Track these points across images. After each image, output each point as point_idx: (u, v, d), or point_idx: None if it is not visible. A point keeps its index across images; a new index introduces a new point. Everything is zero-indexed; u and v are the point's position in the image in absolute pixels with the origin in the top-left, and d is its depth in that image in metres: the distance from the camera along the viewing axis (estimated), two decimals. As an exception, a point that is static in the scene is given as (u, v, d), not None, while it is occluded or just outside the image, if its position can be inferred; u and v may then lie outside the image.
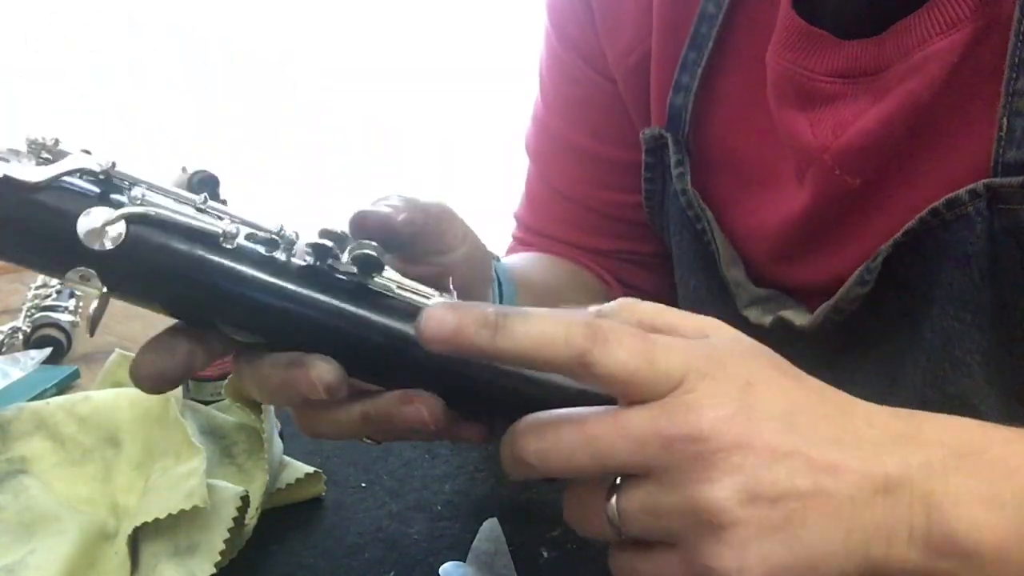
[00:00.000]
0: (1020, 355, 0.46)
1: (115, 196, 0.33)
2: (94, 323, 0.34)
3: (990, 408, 0.48)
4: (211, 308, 0.35)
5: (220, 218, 0.35)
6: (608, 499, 0.33)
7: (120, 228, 0.32)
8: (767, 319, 0.55)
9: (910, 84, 0.47)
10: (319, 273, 0.35)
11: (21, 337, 0.83)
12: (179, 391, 0.54)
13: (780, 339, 0.56)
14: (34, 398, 0.67)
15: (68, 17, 2.14)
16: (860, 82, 0.49)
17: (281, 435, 0.58)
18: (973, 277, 0.46)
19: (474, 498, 0.53)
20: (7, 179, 0.31)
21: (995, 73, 0.45)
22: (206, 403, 0.59)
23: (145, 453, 0.52)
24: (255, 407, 0.54)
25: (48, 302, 0.86)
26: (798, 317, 0.54)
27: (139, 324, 0.94)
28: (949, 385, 0.49)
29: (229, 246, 0.34)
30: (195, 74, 2.24)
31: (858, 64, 0.49)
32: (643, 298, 0.36)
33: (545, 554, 0.48)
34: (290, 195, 2.21)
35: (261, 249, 0.35)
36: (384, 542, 0.49)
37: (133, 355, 0.59)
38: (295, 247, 0.36)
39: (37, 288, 0.90)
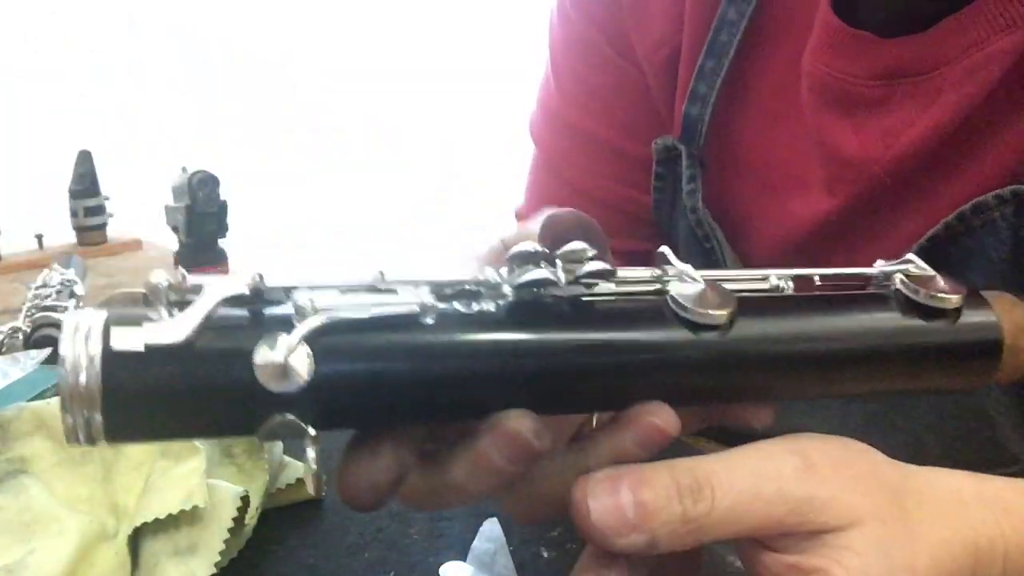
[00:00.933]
0: None
1: (276, 314, 0.26)
2: (318, 478, 0.27)
3: (1007, 420, 0.47)
4: (440, 401, 0.28)
5: (403, 290, 0.28)
6: None
7: (304, 354, 0.25)
8: None
9: (968, 87, 0.44)
10: (532, 308, 0.28)
11: (21, 337, 0.83)
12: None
13: None
14: (34, 398, 0.67)
15: (68, 17, 2.14)
16: (906, 84, 0.46)
17: (281, 435, 0.58)
18: (997, 284, 0.46)
19: (474, 498, 0.53)
20: (150, 349, 0.24)
21: None
22: (206, 403, 0.59)
23: (145, 453, 0.52)
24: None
25: (48, 302, 0.86)
26: None
27: (139, 324, 0.94)
28: (967, 395, 0.48)
29: (431, 321, 0.27)
30: (195, 74, 2.24)
31: (904, 64, 0.46)
32: None
33: (545, 554, 0.48)
34: (290, 194, 2.21)
35: (461, 308, 0.28)
36: (384, 542, 0.49)
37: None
38: (498, 289, 0.29)
39: (37, 288, 0.90)
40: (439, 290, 0.28)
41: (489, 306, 0.28)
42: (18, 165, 2.00)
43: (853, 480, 0.30)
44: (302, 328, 0.25)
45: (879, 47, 0.46)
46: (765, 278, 0.32)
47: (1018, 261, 0.44)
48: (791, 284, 0.33)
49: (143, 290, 0.26)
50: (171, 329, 0.25)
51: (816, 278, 0.33)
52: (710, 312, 0.29)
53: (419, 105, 2.49)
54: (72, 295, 0.90)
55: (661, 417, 0.30)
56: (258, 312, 0.26)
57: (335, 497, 0.53)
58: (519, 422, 0.28)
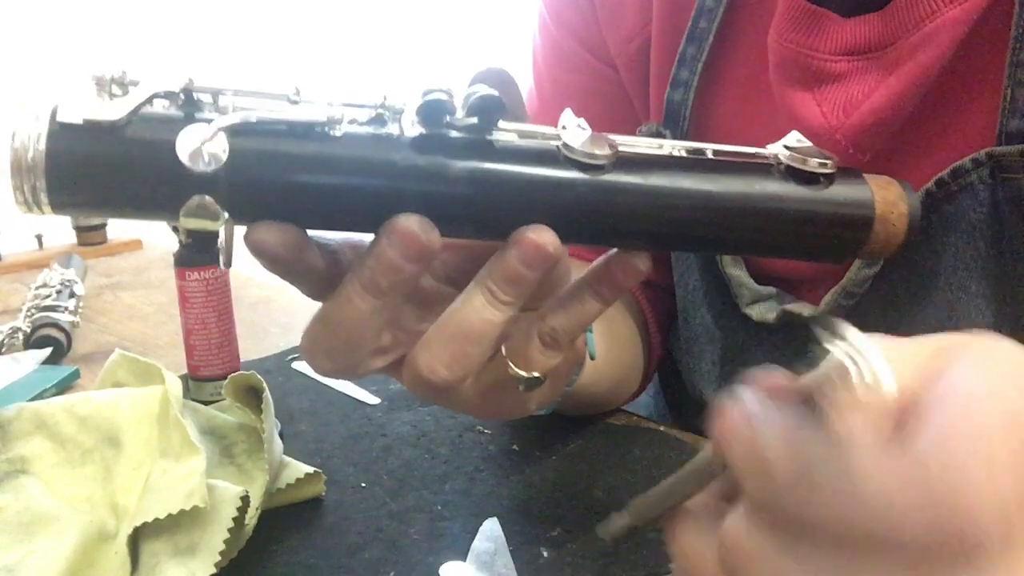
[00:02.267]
0: (1023, 326, 0.47)
1: (203, 113, 0.31)
2: (228, 254, 0.31)
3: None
4: (337, 208, 0.32)
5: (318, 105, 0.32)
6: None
7: (222, 142, 0.29)
8: (771, 315, 0.55)
9: (921, 57, 0.46)
10: (435, 139, 0.32)
11: (21, 337, 0.83)
12: (179, 391, 0.54)
13: (787, 334, 0.56)
14: (34, 398, 0.67)
15: (68, 17, 2.15)
16: (867, 58, 0.48)
17: (281, 435, 0.58)
18: (978, 246, 0.47)
19: (474, 498, 0.53)
20: (88, 124, 0.29)
21: (1004, 42, 0.44)
22: (206, 403, 0.59)
23: (145, 453, 0.52)
24: (255, 407, 0.54)
25: (48, 302, 0.86)
26: (805, 308, 0.54)
27: (139, 324, 0.94)
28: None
29: (337, 133, 0.31)
30: (195, 74, 2.24)
31: (865, 40, 0.48)
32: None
33: (545, 554, 0.48)
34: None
35: (370, 129, 0.32)
36: (384, 542, 0.49)
37: (133, 355, 0.59)
38: (403, 116, 0.33)
39: (37, 288, 0.90)
40: (349, 107, 0.32)
41: (394, 130, 0.32)
42: (18, 165, 2.00)
43: None
44: (221, 120, 0.30)
45: (840, 25, 0.48)
46: (660, 146, 0.36)
47: (997, 223, 0.46)
48: (683, 152, 0.36)
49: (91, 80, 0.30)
50: (109, 109, 0.29)
51: (709, 152, 0.37)
52: (594, 152, 0.33)
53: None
54: (72, 295, 0.90)
55: (540, 235, 0.33)
56: (188, 111, 0.31)
57: (335, 497, 0.54)
58: (408, 219, 0.32)
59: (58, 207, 0.30)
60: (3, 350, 0.82)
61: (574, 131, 0.34)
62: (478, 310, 0.35)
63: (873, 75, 0.48)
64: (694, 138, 0.58)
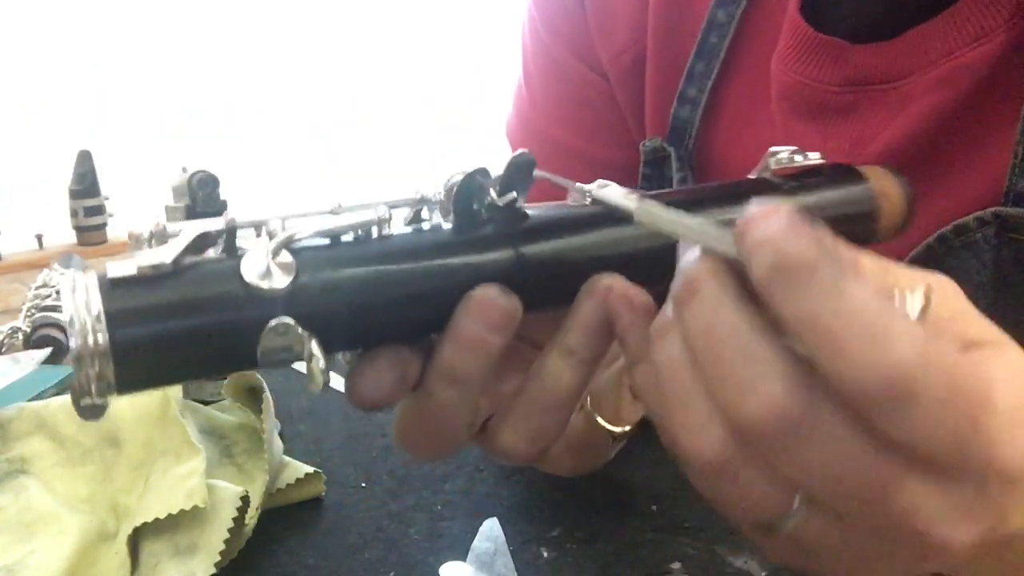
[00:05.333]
0: None
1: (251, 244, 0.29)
2: (325, 374, 0.28)
3: None
4: (404, 305, 0.31)
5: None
6: None
7: (285, 257, 0.28)
8: None
9: (935, 97, 0.44)
10: (476, 222, 0.31)
11: (21, 337, 0.83)
12: (179, 391, 0.54)
13: None
14: (34, 398, 0.67)
15: (68, 17, 2.15)
16: (874, 91, 0.46)
17: (281, 435, 0.58)
18: (979, 305, 0.45)
19: (474, 498, 0.53)
20: (144, 273, 0.26)
21: (1018, 94, 0.42)
22: (206, 403, 0.59)
23: (145, 453, 0.52)
24: (255, 407, 0.54)
25: (48, 302, 0.86)
26: None
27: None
28: None
29: (388, 231, 0.30)
30: (195, 74, 2.24)
31: (872, 71, 0.46)
32: None
33: (545, 554, 0.48)
34: (290, 194, 2.21)
35: (411, 225, 0.31)
36: (384, 542, 0.49)
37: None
38: (434, 206, 0.32)
39: (37, 288, 0.90)
40: (392, 207, 0.31)
41: (431, 221, 0.31)
42: (18, 165, 2.00)
43: None
44: (279, 237, 0.28)
45: (847, 53, 0.46)
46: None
47: (1000, 282, 0.44)
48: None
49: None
50: (159, 253, 0.27)
51: None
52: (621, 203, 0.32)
53: (421, 108, 2.49)
54: (72, 295, 0.90)
55: (614, 281, 0.31)
56: (234, 244, 0.28)
57: (335, 497, 0.54)
58: (484, 290, 0.30)
59: (127, 386, 0.27)
60: (3, 350, 0.82)
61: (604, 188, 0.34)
62: (559, 374, 0.32)
63: (882, 110, 0.46)
64: (699, 156, 0.57)
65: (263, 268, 0.27)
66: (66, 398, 0.54)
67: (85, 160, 1.26)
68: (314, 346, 0.28)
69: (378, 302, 0.30)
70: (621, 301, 0.31)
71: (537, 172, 0.33)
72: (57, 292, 0.89)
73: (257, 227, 0.29)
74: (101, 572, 0.45)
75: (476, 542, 0.48)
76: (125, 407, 0.53)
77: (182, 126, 2.07)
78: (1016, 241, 0.43)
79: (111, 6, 2.14)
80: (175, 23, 2.22)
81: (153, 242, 0.27)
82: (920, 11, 0.44)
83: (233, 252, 0.28)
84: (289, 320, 0.27)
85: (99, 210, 1.27)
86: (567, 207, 0.34)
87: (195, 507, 0.45)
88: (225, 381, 0.55)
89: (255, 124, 2.23)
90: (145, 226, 0.28)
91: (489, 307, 0.30)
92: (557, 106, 0.64)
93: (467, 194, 0.31)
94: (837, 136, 0.47)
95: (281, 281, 0.27)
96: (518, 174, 0.32)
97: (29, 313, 0.85)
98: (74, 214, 1.27)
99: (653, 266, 0.33)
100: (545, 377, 0.33)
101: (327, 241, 0.29)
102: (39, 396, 0.68)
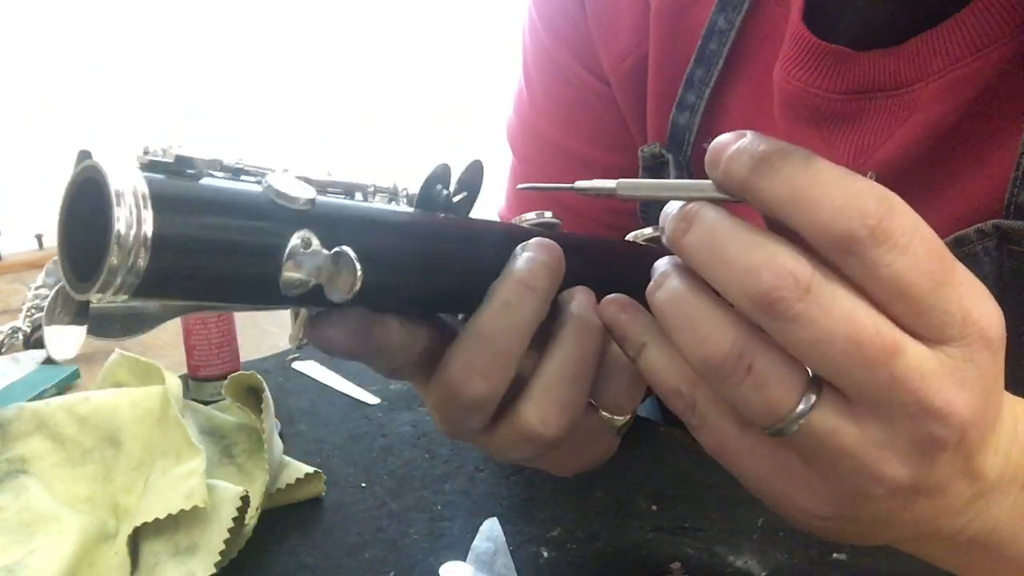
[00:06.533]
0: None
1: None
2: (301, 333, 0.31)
3: None
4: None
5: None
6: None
7: (304, 182, 0.29)
8: None
9: (939, 106, 0.44)
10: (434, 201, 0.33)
11: (21, 337, 0.83)
12: (179, 391, 0.54)
13: None
14: (34, 398, 0.67)
15: (68, 17, 2.15)
16: (878, 99, 0.46)
17: (281, 435, 0.58)
18: None
19: (474, 498, 0.53)
20: (177, 160, 0.26)
21: (1021, 103, 0.42)
22: (206, 403, 0.59)
23: (145, 453, 0.52)
24: (255, 407, 0.54)
25: (48, 302, 0.86)
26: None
27: (139, 324, 0.94)
28: None
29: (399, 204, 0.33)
30: (195, 74, 2.24)
31: (876, 79, 0.45)
32: None
33: (545, 554, 0.48)
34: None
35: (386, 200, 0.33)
36: (384, 542, 0.49)
37: (133, 355, 0.59)
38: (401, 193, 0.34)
39: (37, 288, 0.90)
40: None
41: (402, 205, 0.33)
42: (18, 165, 2.00)
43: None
44: (295, 170, 0.29)
45: (851, 61, 0.46)
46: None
47: (1000, 294, 0.44)
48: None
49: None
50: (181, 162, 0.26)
51: None
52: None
53: (421, 108, 2.49)
54: (72, 295, 0.90)
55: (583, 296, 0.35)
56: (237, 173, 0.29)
57: (335, 497, 0.54)
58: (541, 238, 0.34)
59: (137, 297, 0.26)
60: (3, 350, 0.82)
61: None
62: (585, 340, 0.34)
63: (885, 119, 0.45)
64: (696, 163, 0.56)
65: (292, 184, 0.28)
66: (66, 398, 0.54)
67: (85, 160, 1.26)
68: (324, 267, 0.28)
69: (394, 257, 0.31)
70: (611, 307, 0.33)
71: (524, 185, 0.36)
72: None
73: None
74: (101, 572, 0.46)
75: (476, 542, 0.48)
76: (125, 407, 0.53)
77: (182, 126, 2.07)
78: (1017, 253, 0.42)
79: (111, 6, 2.14)
80: (175, 23, 2.22)
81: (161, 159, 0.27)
82: (924, 20, 0.43)
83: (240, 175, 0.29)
84: (312, 235, 0.28)
85: (99, 210, 1.27)
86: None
87: (195, 507, 0.45)
88: (225, 381, 0.55)
89: (255, 124, 2.23)
90: (156, 144, 0.27)
91: (551, 248, 0.33)
92: (557, 108, 0.64)
93: (430, 185, 0.33)
94: (840, 144, 0.47)
95: (306, 193, 0.28)
96: (472, 177, 0.34)
97: (29, 313, 0.85)
98: (74, 214, 1.27)
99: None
100: (572, 345, 0.34)
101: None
102: (39, 396, 0.68)
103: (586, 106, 0.62)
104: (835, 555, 0.46)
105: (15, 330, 0.83)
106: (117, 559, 0.45)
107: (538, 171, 0.67)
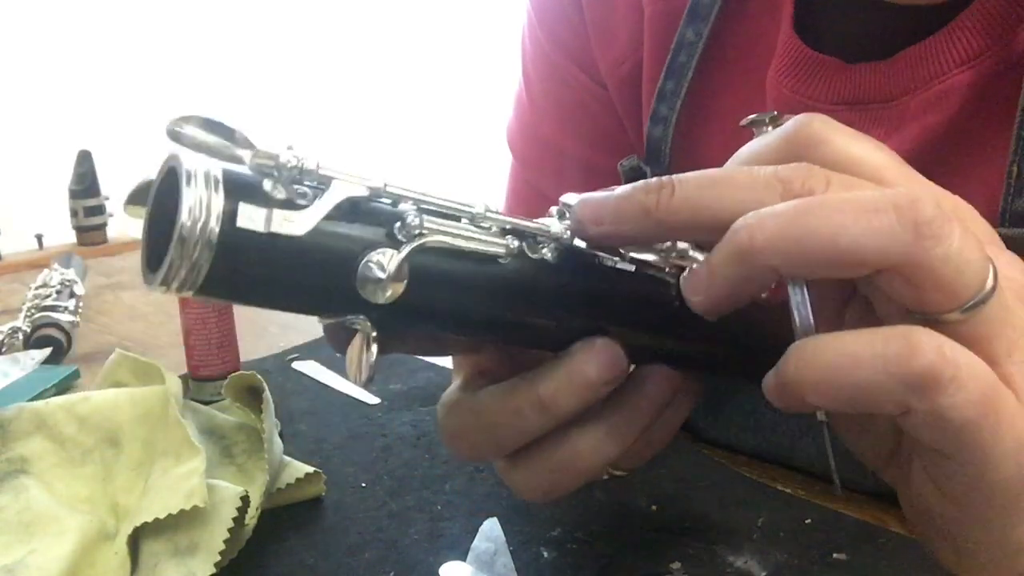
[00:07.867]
0: None
1: (384, 225, 0.28)
2: (369, 371, 0.29)
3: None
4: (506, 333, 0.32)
5: (503, 228, 0.30)
6: None
7: (403, 273, 0.27)
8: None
9: (928, 119, 0.44)
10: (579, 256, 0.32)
11: (21, 337, 0.83)
12: (179, 391, 0.54)
13: None
14: (34, 398, 0.67)
15: (68, 17, 2.15)
16: (870, 110, 0.46)
17: (281, 435, 0.58)
18: None
19: (474, 498, 0.53)
20: (273, 237, 0.26)
21: (1011, 113, 0.42)
22: (206, 403, 0.59)
23: (145, 453, 0.52)
24: (255, 407, 0.54)
25: (48, 302, 0.86)
26: None
27: (140, 324, 0.94)
28: None
29: (504, 262, 0.30)
30: (195, 74, 2.24)
31: (867, 91, 0.46)
32: None
33: (545, 554, 0.48)
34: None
35: (528, 253, 0.31)
36: (384, 542, 0.49)
37: (133, 355, 0.59)
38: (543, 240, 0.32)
39: (37, 288, 0.90)
40: (518, 234, 0.31)
41: (542, 254, 0.31)
42: (18, 165, 2.00)
43: None
44: (404, 251, 0.27)
45: (843, 72, 0.46)
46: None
47: None
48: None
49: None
50: (295, 223, 0.26)
51: None
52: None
53: (421, 108, 2.49)
54: (72, 295, 0.90)
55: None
56: (372, 216, 0.28)
57: (335, 497, 0.54)
58: (608, 343, 0.32)
59: (204, 292, 0.27)
60: (3, 350, 0.82)
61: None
62: (597, 450, 0.34)
63: (877, 129, 0.46)
64: (679, 169, 0.57)
65: (379, 278, 0.27)
66: (66, 398, 0.54)
67: (85, 160, 1.26)
68: (374, 349, 0.28)
69: (465, 331, 0.31)
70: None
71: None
72: (57, 292, 0.89)
73: (395, 200, 0.29)
74: (101, 572, 0.46)
75: (476, 542, 0.48)
76: (125, 407, 0.53)
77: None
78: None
79: (111, 6, 2.14)
80: (175, 23, 2.22)
81: (298, 177, 0.27)
82: (914, 33, 0.44)
83: (368, 227, 0.28)
84: (366, 320, 0.28)
85: (99, 210, 1.27)
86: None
87: (195, 507, 0.45)
88: (225, 381, 0.55)
89: (255, 124, 2.23)
90: (287, 155, 0.27)
91: (614, 356, 0.32)
92: (557, 111, 0.64)
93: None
94: None
95: (385, 298, 0.27)
96: None
97: (29, 313, 0.85)
98: (74, 214, 1.27)
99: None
100: (584, 449, 0.34)
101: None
102: (39, 396, 0.68)
103: (585, 109, 0.62)
104: (835, 555, 0.46)
105: (15, 330, 0.83)
106: (117, 559, 0.45)
107: (536, 172, 0.67)
